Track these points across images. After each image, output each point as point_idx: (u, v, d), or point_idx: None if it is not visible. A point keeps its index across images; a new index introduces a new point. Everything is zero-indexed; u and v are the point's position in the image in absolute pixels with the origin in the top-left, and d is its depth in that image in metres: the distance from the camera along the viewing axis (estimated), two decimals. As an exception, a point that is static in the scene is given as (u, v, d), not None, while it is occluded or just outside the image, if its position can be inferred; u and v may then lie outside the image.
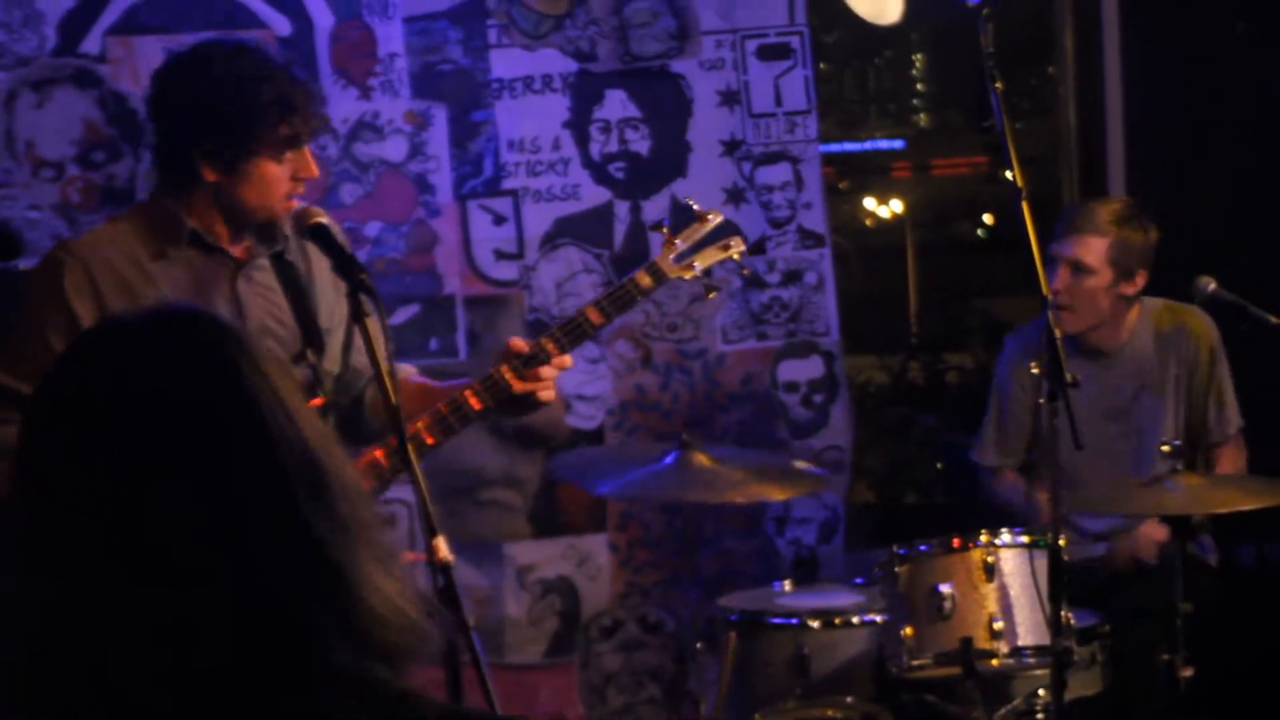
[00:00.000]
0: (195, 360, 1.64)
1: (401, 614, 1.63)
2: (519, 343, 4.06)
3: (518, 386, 4.02)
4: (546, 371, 4.05)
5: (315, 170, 3.95)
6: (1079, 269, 5.30)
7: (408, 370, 4.31)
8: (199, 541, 1.56)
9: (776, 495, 5.36)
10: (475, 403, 4.03)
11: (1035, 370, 4.18)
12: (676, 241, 4.26)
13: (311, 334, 4.04)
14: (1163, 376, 5.43)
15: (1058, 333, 4.13)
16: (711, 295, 4.38)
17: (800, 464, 5.07)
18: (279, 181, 3.88)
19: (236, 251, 3.97)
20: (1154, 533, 5.23)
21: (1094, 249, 5.29)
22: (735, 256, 4.38)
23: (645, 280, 4.18)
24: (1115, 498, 5.12)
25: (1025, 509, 5.32)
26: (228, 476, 1.59)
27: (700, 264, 4.29)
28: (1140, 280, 5.36)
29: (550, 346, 4.05)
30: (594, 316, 4.12)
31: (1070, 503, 4.97)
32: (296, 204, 3.93)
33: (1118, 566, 5.27)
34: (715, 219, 4.32)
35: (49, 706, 1.56)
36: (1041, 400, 4.16)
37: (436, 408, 4.01)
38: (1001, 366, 5.61)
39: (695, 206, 4.35)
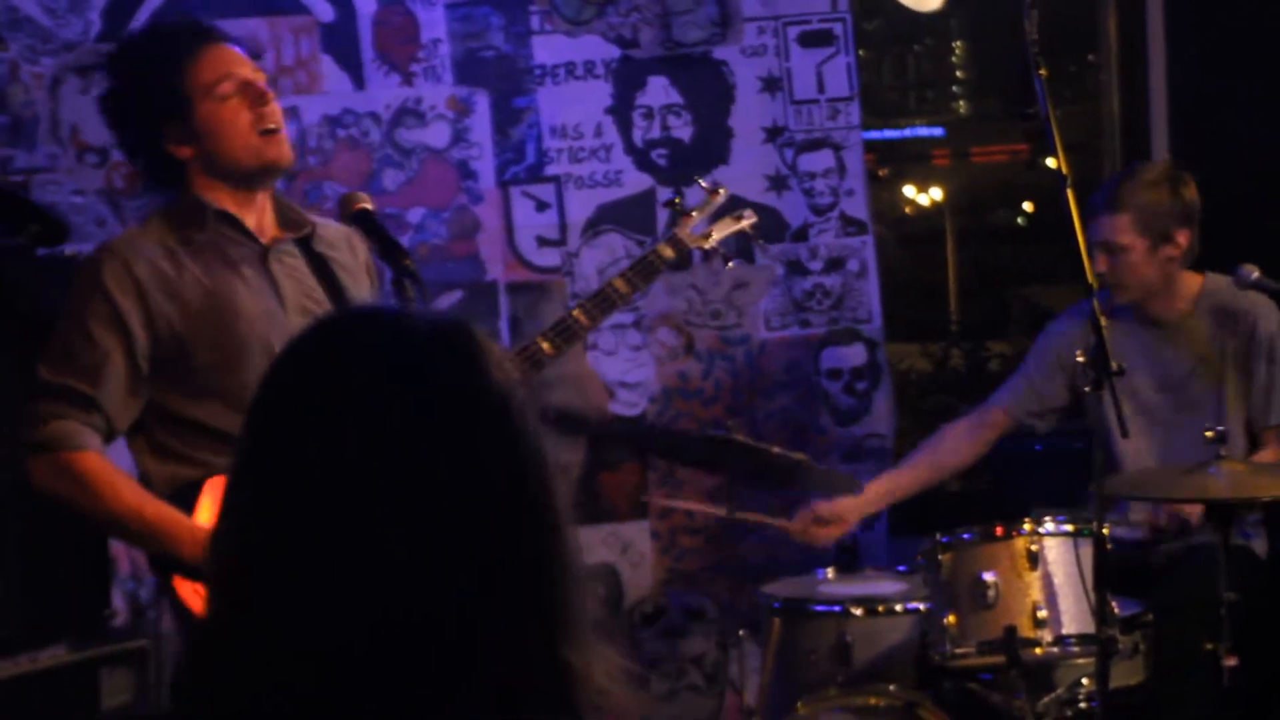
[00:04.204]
0: (473, 363, 1.67)
1: (600, 681, 1.64)
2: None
3: (550, 352, 4.22)
4: None
5: (258, 81, 3.90)
6: (1111, 249, 5.26)
7: None
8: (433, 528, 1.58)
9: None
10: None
11: (1081, 359, 4.17)
12: (692, 214, 4.52)
13: None
14: (1220, 353, 5.37)
15: (1102, 320, 4.12)
16: (730, 265, 4.69)
17: (833, 473, 5.10)
18: (237, 117, 3.85)
19: (263, 238, 3.97)
20: (1190, 507, 5.19)
21: (1119, 226, 5.25)
22: (747, 228, 4.65)
23: (667, 251, 4.45)
24: (1158, 483, 5.09)
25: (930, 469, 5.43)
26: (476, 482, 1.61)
27: (716, 234, 4.56)
28: (1182, 239, 5.27)
29: (580, 317, 4.24)
30: (621, 286, 4.33)
31: (1112, 487, 4.95)
32: (285, 139, 3.91)
33: (1159, 524, 5.20)
34: (724, 193, 4.60)
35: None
36: (1088, 388, 4.15)
37: None
38: (1051, 328, 5.56)
39: (703, 183, 4.62)
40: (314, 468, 1.59)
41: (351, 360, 1.64)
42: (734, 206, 4.68)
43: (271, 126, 3.89)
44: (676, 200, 4.63)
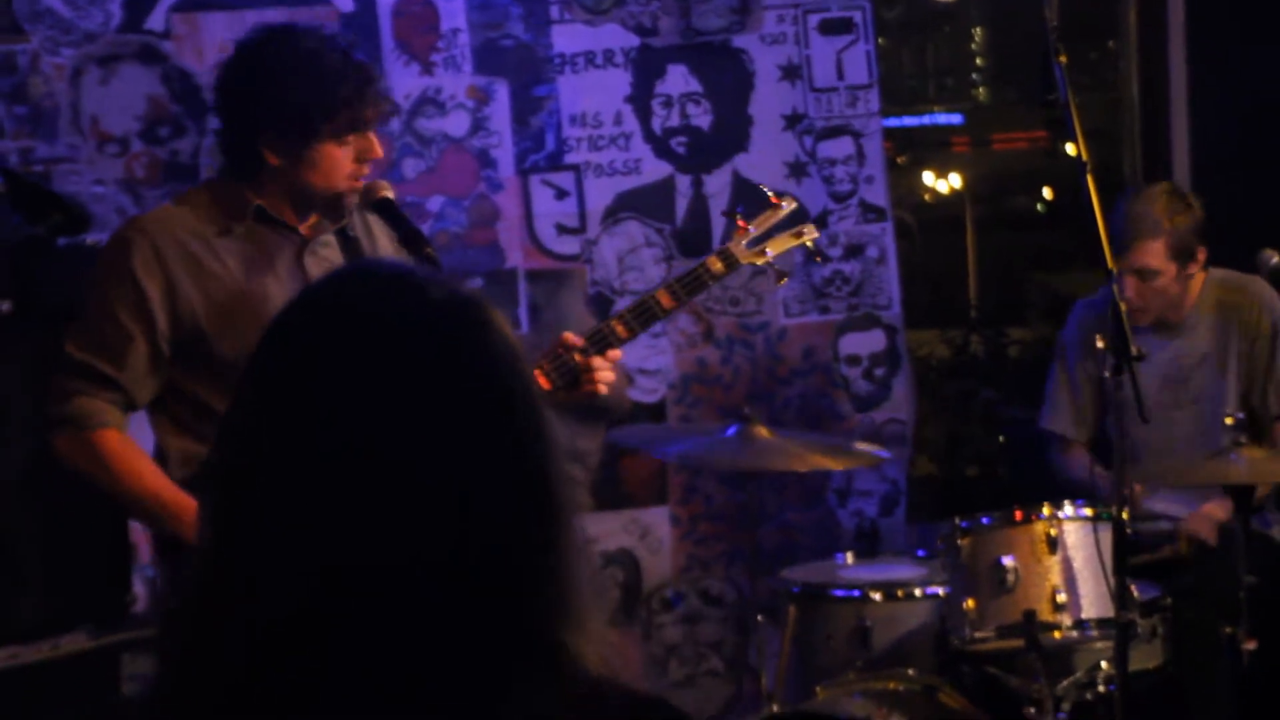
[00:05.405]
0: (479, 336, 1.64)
1: (592, 612, 1.63)
2: (572, 337, 4.09)
3: (580, 360, 4.04)
4: (598, 362, 4.07)
5: (379, 151, 3.92)
6: (1146, 274, 5.22)
7: None
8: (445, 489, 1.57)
9: (836, 465, 5.37)
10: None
11: (1101, 345, 4.17)
12: (750, 228, 4.24)
13: None
14: (1224, 346, 5.38)
15: (1123, 307, 4.13)
16: (782, 282, 4.36)
17: (861, 445, 5.08)
18: (343, 164, 3.86)
19: (302, 229, 3.98)
20: (1215, 511, 5.19)
21: (1156, 252, 5.22)
22: (808, 244, 4.37)
23: (717, 265, 4.17)
24: (1178, 469, 5.10)
25: (1091, 486, 5.28)
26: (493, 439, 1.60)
27: (773, 250, 4.26)
28: (1201, 255, 5.31)
29: (619, 328, 4.08)
30: (665, 300, 4.12)
31: (1136, 476, 4.94)
32: (362, 184, 3.93)
33: (1179, 550, 5.21)
34: (789, 206, 4.29)
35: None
36: (1108, 373, 4.15)
37: None
38: (1069, 333, 5.54)
39: (769, 193, 4.33)
40: (305, 430, 1.57)
41: (356, 323, 1.61)
42: (796, 220, 4.38)
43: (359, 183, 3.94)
44: (736, 211, 4.34)
